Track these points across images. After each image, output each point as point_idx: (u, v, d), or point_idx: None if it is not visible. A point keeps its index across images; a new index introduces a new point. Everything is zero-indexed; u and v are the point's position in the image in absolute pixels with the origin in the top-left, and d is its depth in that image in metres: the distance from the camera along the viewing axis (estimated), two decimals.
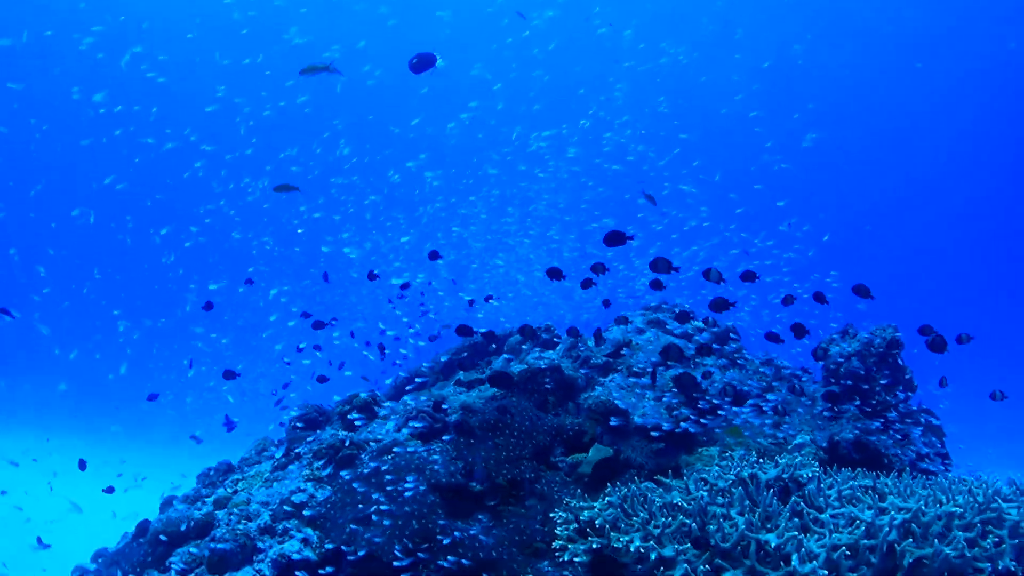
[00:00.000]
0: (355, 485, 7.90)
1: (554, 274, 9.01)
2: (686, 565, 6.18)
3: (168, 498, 8.87)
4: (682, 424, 8.55)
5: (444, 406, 8.88)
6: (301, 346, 12.01)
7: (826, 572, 5.72)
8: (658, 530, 6.52)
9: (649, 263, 7.80)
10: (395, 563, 7.27)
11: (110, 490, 10.46)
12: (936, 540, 5.77)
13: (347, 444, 8.31)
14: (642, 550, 6.39)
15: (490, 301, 9.24)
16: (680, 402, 9.09)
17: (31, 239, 43.99)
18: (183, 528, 7.99)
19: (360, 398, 9.18)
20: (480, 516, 7.89)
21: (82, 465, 9.00)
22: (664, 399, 9.20)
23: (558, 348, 10.15)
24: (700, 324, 10.67)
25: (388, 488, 7.84)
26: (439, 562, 7.34)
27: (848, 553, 5.77)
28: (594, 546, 6.62)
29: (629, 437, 8.88)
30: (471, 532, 7.67)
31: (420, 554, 7.37)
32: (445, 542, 7.47)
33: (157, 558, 7.94)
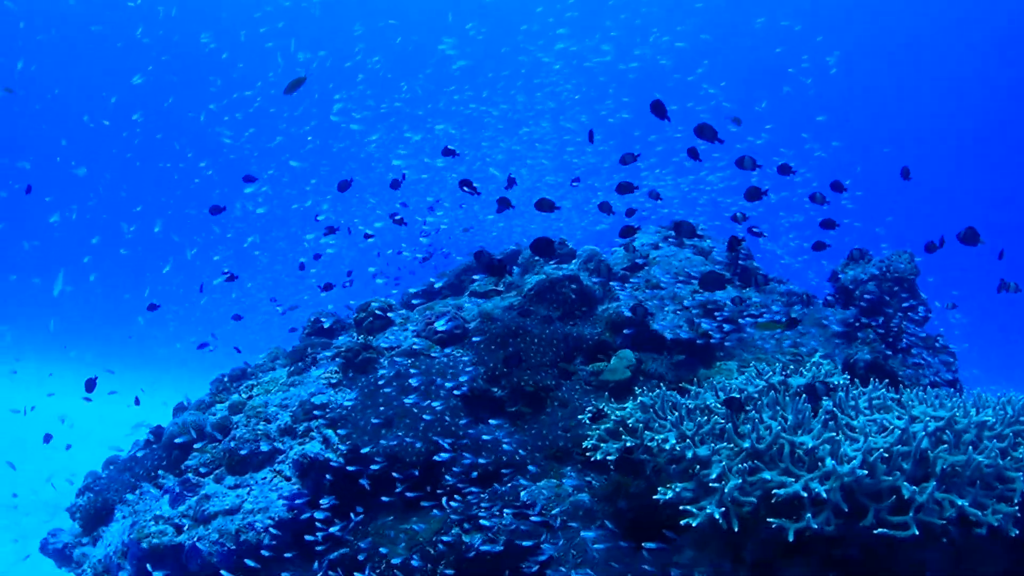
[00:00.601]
0: (376, 388, 7.57)
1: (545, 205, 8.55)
2: (722, 464, 5.92)
3: (180, 404, 8.51)
4: (715, 336, 8.26)
5: (462, 314, 8.53)
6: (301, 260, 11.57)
7: (865, 472, 5.45)
8: (692, 430, 6.26)
9: (694, 129, 7.31)
10: (416, 463, 6.99)
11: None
12: (969, 448, 5.53)
13: (367, 348, 7.95)
14: (677, 449, 6.12)
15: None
16: (699, 314, 8.79)
17: None
18: (197, 432, 7.64)
19: (375, 304, 8.80)
20: (502, 421, 7.60)
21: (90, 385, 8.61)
22: (683, 312, 8.89)
23: (573, 262, 9.79)
24: (711, 243, 10.35)
25: (410, 392, 7.52)
26: (462, 463, 7.06)
27: (886, 456, 5.50)
28: (628, 444, 6.35)
29: (650, 348, 8.60)
30: (494, 435, 7.39)
31: (442, 455, 7.09)
32: (468, 448, 7.19)
33: (172, 462, 7.62)
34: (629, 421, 6.57)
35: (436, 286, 9.95)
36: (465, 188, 8.20)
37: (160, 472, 7.54)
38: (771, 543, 5.77)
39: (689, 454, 5.99)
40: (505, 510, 6.79)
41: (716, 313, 9.00)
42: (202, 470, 7.11)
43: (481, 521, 6.65)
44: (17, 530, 12.61)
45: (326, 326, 9.08)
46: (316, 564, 6.55)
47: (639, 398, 6.76)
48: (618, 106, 17.42)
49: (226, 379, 8.66)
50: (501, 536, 6.56)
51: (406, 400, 7.39)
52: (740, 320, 9.08)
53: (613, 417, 6.75)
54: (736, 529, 5.35)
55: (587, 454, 6.66)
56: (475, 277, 9.74)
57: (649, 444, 6.28)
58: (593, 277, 9.22)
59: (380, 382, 7.63)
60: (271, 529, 6.44)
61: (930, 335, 9.95)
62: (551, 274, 9.00)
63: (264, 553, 6.38)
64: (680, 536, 6.16)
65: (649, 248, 9.89)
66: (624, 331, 8.46)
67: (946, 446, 5.52)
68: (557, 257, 10.11)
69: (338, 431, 7.24)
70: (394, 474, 6.93)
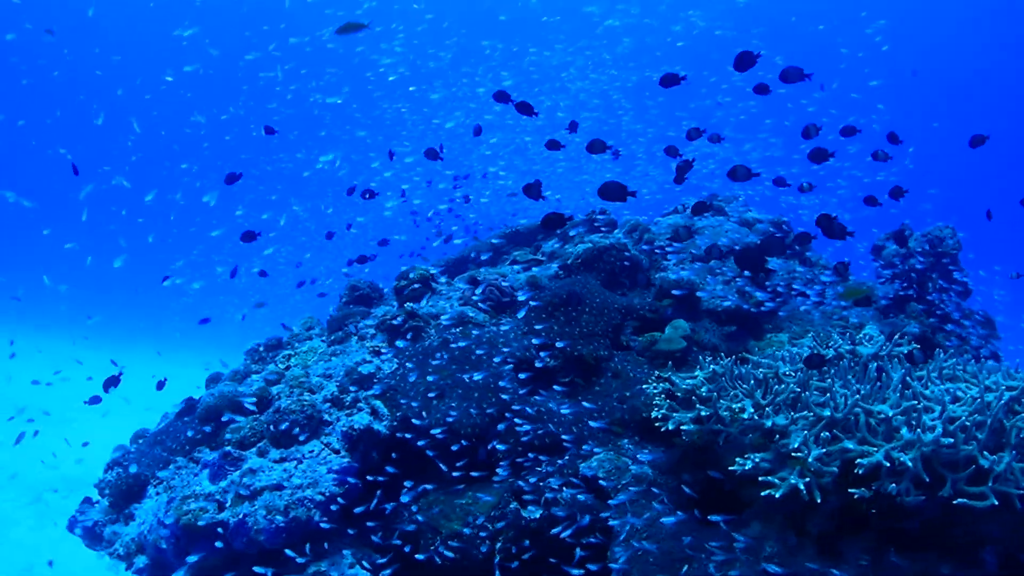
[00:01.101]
0: (425, 358, 7.03)
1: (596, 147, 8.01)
2: (803, 433, 5.43)
3: (215, 375, 7.93)
4: (766, 304, 7.74)
5: (505, 283, 7.99)
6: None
7: (950, 440, 5.01)
8: (768, 399, 5.77)
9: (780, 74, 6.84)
10: (472, 435, 6.47)
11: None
12: None
13: (413, 317, 7.40)
14: (755, 418, 5.64)
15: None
16: (746, 285, 8.29)
17: None
18: (234, 404, 7.08)
19: (418, 272, 8.24)
20: (556, 391, 7.08)
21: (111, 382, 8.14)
22: (733, 283, 8.38)
23: (616, 231, 9.26)
24: (755, 214, 9.84)
25: (461, 361, 6.98)
26: (519, 435, 6.55)
27: (965, 425, 5.07)
28: (703, 413, 5.85)
29: (700, 319, 8.09)
30: (549, 406, 6.86)
31: (499, 426, 6.57)
32: (523, 417, 6.66)
33: (208, 435, 7.04)
34: (701, 390, 6.07)
35: (473, 255, 9.40)
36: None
37: (197, 447, 6.98)
38: (834, 516, 5.42)
39: (768, 423, 5.54)
40: (565, 483, 6.29)
41: (767, 284, 8.51)
42: (244, 444, 6.54)
43: (544, 495, 6.14)
44: (42, 508, 11.98)
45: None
46: (371, 538, 6.03)
47: (709, 366, 6.27)
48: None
49: (261, 348, 8.09)
50: (562, 510, 6.06)
51: (457, 370, 6.86)
52: (789, 292, 8.59)
53: (683, 386, 6.25)
54: (819, 500, 4.99)
55: (656, 424, 6.17)
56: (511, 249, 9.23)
57: (723, 414, 5.80)
58: (641, 246, 8.69)
59: (429, 351, 7.08)
60: (323, 504, 5.90)
61: (971, 309, 9.51)
62: (598, 242, 8.46)
63: (319, 527, 5.85)
64: (744, 511, 5.71)
65: (690, 219, 9.36)
66: (675, 301, 7.94)
67: (1022, 415, 5.14)
68: (595, 230, 9.58)
69: (386, 403, 6.69)
70: (452, 446, 6.40)
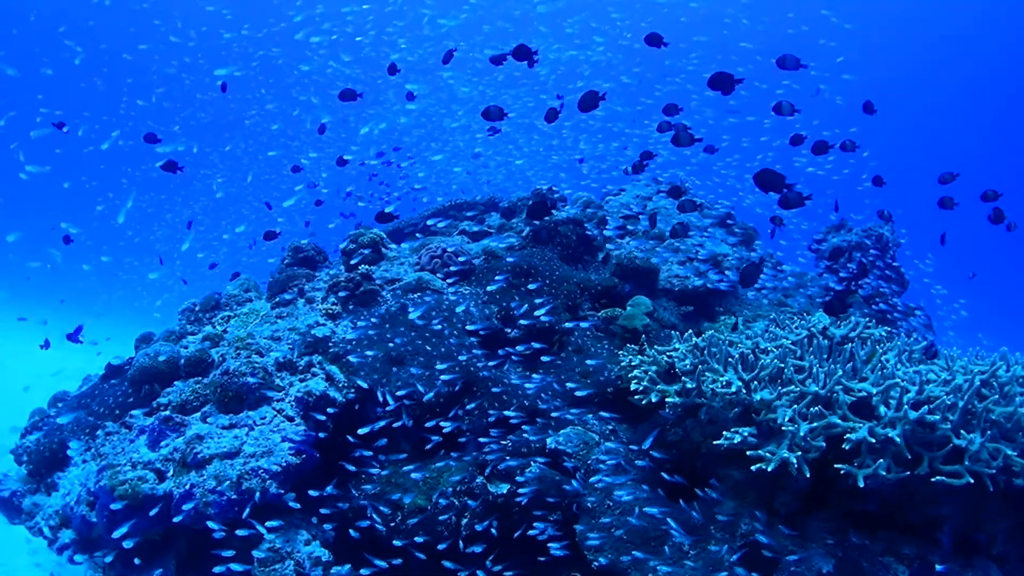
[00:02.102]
0: (382, 323, 6.41)
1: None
2: (791, 408, 5.16)
3: (146, 334, 7.05)
4: (723, 287, 7.48)
5: (460, 251, 7.44)
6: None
7: (936, 417, 4.87)
8: (751, 373, 5.47)
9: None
10: (434, 404, 5.92)
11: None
12: (1016, 399, 5.10)
13: (368, 279, 6.74)
14: (742, 392, 5.33)
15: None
16: (707, 269, 8.03)
17: None
18: (170, 366, 6.28)
19: (368, 235, 7.57)
20: (518, 363, 6.59)
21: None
22: (691, 264, 8.10)
23: (565, 208, 8.82)
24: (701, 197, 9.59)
25: (420, 328, 6.40)
26: (482, 406, 6.04)
27: (941, 406, 4.98)
28: (688, 386, 5.48)
29: (657, 297, 7.75)
30: (512, 379, 6.38)
31: (464, 398, 6.04)
32: (487, 388, 6.15)
33: (142, 398, 6.22)
34: (684, 363, 5.71)
35: (428, 223, 8.78)
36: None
37: (128, 411, 6.14)
38: (800, 495, 5.31)
39: (757, 397, 5.24)
40: (532, 458, 5.83)
41: (722, 267, 8.26)
42: (185, 407, 5.77)
43: (507, 469, 5.67)
44: None
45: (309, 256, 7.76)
46: (326, 512, 5.40)
47: (692, 339, 5.92)
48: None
49: (197, 308, 7.24)
50: (530, 485, 5.60)
51: (416, 337, 6.27)
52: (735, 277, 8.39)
53: (663, 360, 5.87)
54: (808, 475, 4.81)
55: (637, 397, 5.77)
56: (467, 215, 8.66)
57: (707, 387, 5.46)
58: (592, 223, 8.29)
59: (387, 317, 6.47)
60: (278, 476, 5.22)
61: (907, 304, 9.57)
62: (554, 216, 8.00)
63: (274, 500, 5.18)
64: (715, 487, 5.48)
65: (643, 200, 9.03)
66: (632, 279, 7.58)
67: (995, 397, 5.07)
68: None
69: (342, 369, 6.04)
70: (412, 416, 5.83)
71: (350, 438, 5.66)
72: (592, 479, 5.68)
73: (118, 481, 5.17)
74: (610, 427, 6.29)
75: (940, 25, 42.97)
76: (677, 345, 5.93)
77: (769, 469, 4.88)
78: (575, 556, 5.32)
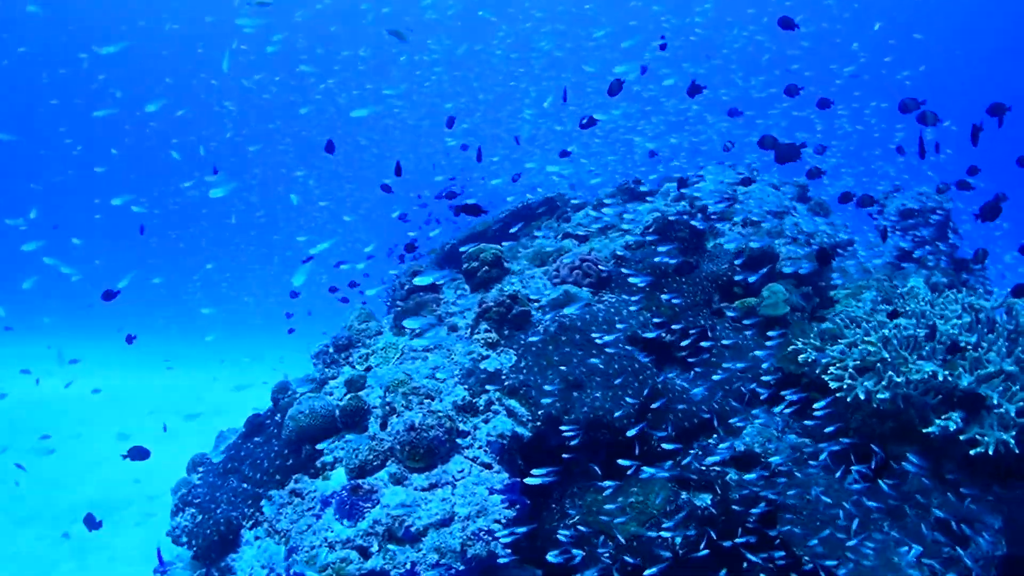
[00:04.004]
0: (543, 346, 5.27)
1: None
2: (998, 389, 4.29)
3: (282, 384, 5.79)
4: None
5: (600, 263, 6.31)
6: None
7: None
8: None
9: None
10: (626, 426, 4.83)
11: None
12: None
13: (516, 301, 5.58)
14: (949, 378, 4.40)
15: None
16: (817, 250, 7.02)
17: None
18: (327, 420, 5.08)
19: (489, 251, 6.38)
20: (679, 369, 5.54)
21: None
22: (792, 246, 7.09)
23: (656, 199, 7.71)
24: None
25: (586, 346, 5.28)
26: (668, 419, 4.98)
27: None
28: (896, 379, 4.50)
29: (777, 281, 6.72)
30: (678, 384, 5.33)
31: (648, 414, 4.97)
32: (668, 400, 5.08)
33: (303, 460, 5.00)
34: (883, 354, 4.71)
35: (536, 234, 7.59)
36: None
37: (289, 475, 4.93)
38: (962, 463, 4.71)
39: (964, 383, 4.28)
40: (725, 462, 4.85)
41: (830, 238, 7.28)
42: (364, 469, 4.58)
43: (704, 479, 4.66)
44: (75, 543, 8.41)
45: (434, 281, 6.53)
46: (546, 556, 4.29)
47: (880, 331, 4.90)
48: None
49: (331, 350, 5.99)
50: (731, 492, 4.60)
51: (585, 356, 5.16)
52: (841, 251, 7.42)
53: (858, 351, 4.85)
54: (1017, 451, 4.23)
55: (839, 395, 4.75)
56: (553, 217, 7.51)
57: (914, 377, 4.48)
58: (699, 215, 7.21)
59: (547, 338, 5.33)
60: (501, 534, 4.10)
61: (965, 259, 8.68)
62: (665, 211, 6.90)
63: (497, 562, 4.06)
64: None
65: (730, 187, 7.96)
66: (753, 267, 6.54)
67: None
68: (636, 197, 8.02)
69: (522, 400, 4.91)
70: (601, 440, 4.74)
71: (547, 475, 4.53)
72: (783, 476, 4.74)
73: (319, 567, 3.99)
74: (787, 420, 5.31)
75: None
76: (863, 336, 4.92)
77: (990, 452, 4.22)
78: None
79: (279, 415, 5.50)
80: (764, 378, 5.38)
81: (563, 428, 4.68)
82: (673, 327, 5.69)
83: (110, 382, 15.31)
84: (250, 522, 4.77)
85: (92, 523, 6.34)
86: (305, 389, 5.49)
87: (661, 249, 6.41)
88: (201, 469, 5.54)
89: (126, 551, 7.76)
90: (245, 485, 5.07)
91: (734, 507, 4.59)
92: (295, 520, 4.53)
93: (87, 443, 11.49)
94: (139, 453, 5.46)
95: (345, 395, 5.33)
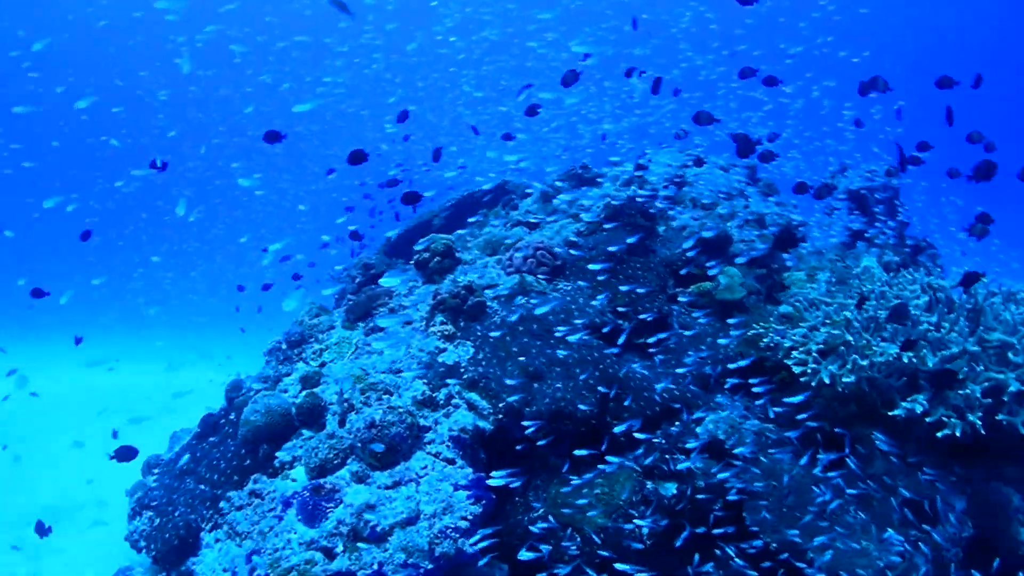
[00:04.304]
0: (501, 337, 5.25)
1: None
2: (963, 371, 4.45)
3: (235, 382, 5.64)
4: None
5: (555, 251, 6.30)
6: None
7: None
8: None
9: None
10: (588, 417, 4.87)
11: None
12: None
13: (471, 291, 5.54)
14: (913, 360, 4.53)
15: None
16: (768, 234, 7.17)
17: None
18: (284, 418, 4.99)
19: (439, 242, 6.31)
20: (635, 356, 5.60)
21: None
22: (746, 228, 7.22)
23: (605, 184, 7.73)
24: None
25: (545, 336, 5.29)
26: (630, 408, 5.03)
27: None
28: (860, 363, 4.63)
29: (730, 264, 6.83)
30: (638, 371, 5.38)
31: (610, 403, 5.01)
32: (629, 389, 5.13)
33: (260, 460, 4.91)
34: (846, 338, 4.83)
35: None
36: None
37: (247, 475, 4.82)
38: (922, 444, 4.78)
39: (929, 364, 4.44)
40: (689, 451, 4.92)
41: (767, 224, 7.41)
42: (324, 468, 4.52)
43: (674, 468, 4.74)
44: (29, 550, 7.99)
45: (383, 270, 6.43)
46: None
47: (842, 313, 5.03)
48: None
49: (284, 346, 5.86)
50: (698, 480, 4.70)
51: (543, 346, 5.17)
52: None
53: (821, 335, 4.96)
54: (983, 433, 4.30)
55: (803, 379, 4.84)
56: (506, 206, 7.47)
57: (878, 360, 4.61)
58: (646, 198, 7.25)
59: (506, 328, 5.31)
60: (468, 531, 4.10)
61: (917, 238, 8.95)
62: (614, 196, 6.93)
63: (465, 559, 4.06)
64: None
65: (679, 169, 8.02)
66: (705, 251, 6.63)
67: None
68: (584, 182, 8.02)
69: (482, 393, 4.89)
70: (563, 431, 4.76)
71: (512, 468, 4.54)
72: (750, 459, 4.84)
73: (283, 570, 3.94)
74: (737, 404, 5.42)
75: None
76: (822, 319, 5.03)
77: (957, 434, 4.30)
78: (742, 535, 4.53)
79: (234, 414, 5.37)
80: (727, 364, 5.46)
81: (525, 422, 4.68)
82: (633, 315, 5.73)
83: (52, 386, 14.74)
84: (209, 524, 4.68)
85: (42, 530, 6.12)
86: (259, 387, 5.37)
87: (613, 234, 6.44)
88: (156, 471, 5.40)
89: (80, 555, 7.52)
90: (202, 487, 4.95)
91: (700, 496, 4.63)
92: (256, 521, 4.45)
93: (36, 447, 11.07)
94: (126, 453, 5.25)
95: (300, 392, 5.24)
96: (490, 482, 4.23)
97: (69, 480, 9.55)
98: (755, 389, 5.09)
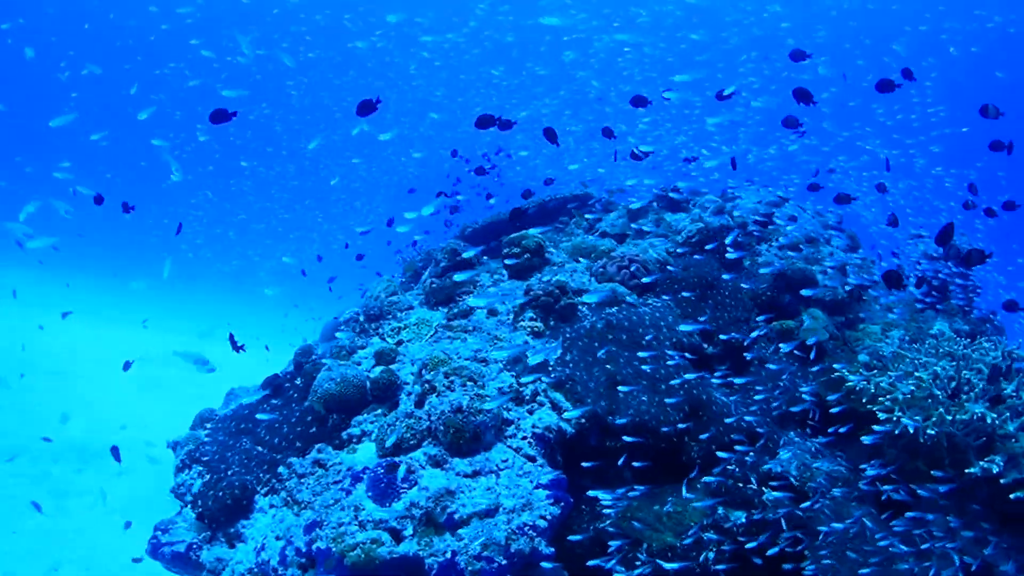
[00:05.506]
0: (589, 342, 4.92)
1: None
2: None
3: (305, 347, 5.33)
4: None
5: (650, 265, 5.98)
6: None
7: None
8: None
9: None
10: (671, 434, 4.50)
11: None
12: None
13: (564, 292, 5.21)
14: (996, 423, 4.18)
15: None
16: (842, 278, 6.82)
17: None
18: (359, 391, 4.67)
19: (531, 240, 6.00)
20: (719, 382, 5.23)
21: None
22: (837, 274, 6.87)
23: (695, 210, 7.40)
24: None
25: (631, 347, 4.94)
26: (711, 430, 4.67)
27: None
28: (946, 417, 4.29)
29: (810, 306, 6.46)
30: (718, 398, 5.02)
31: (691, 424, 4.66)
32: (711, 412, 4.77)
33: (329, 428, 4.58)
34: (930, 390, 4.47)
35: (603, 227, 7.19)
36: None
37: (311, 443, 4.50)
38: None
39: (1011, 427, 4.15)
40: (762, 482, 4.56)
41: (858, 275, 7.05)
42: (399, 447, 4.18)
43: (745, 496, 4.36)
44: (50, 483, 7.64)
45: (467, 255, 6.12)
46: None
47: (931, 368, 4.66)
48: None
49: (362, 318, 5.56)
50: (768, 512, 4.33)
51: (631, 357, 4.82)
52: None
53: (909, 385, 4.58)
54: None
55: (888, 427, 4.47)
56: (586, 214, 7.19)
57: (961, 417, 4.26)
58: (739, 231, 6.92)
59: (594, 335, 4.97)
60: (545, 532, 3.74)
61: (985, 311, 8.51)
62: (709, 222, 6.60)
63: (538, 561, 3.69)
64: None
65: (768, 207, 7.68)
66: (802, 291, 6.27)
67: None
68: (672, 205, 7.71)
69: (567, 395, 4.55)
70: (645, 445, 4.39)
71: (575, 473, 4.18)
72: (817, 503, 4.47)
73: (347, 546, 3.59)
74: (814, 444, 5.07)
75: None
76: (921, 373, 4.68)
77: None
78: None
79: (300, 379, 5.07)
80: (804, 401, 5.11)
81: (609, 428, 4.34)
82: (716, 339, 5.40)
83: (90, 332, 14.56)
84: (265, 488, 4.34)
85: (116, 454, 6.01)
86: (330, 356, 5.06)
87: (705, 260, 6.12)
88: (209, 426, 5.09)
89: (106, 498, 7.22)
90: (260, 448, 4.63)
91: (768, 528, 4.29)
92: (318, 492, 4.12)
93: (70, 382, 10.84)
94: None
95: (374, 366, 4.93)
96: (590, 493, 3.88)
97: (102, 421, 9.28)
98: (830, 430, 4.76)
